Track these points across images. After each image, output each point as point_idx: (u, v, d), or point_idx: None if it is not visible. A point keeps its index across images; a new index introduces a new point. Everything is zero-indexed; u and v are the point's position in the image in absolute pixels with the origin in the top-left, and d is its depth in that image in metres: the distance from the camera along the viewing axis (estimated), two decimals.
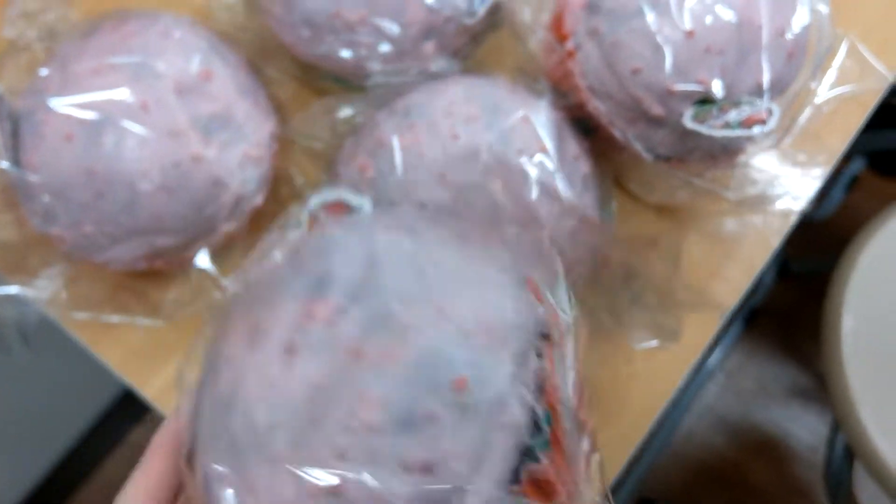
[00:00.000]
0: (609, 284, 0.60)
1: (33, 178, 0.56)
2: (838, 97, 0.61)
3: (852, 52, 0.62)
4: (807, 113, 0.60)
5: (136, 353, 0.64)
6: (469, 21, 0.61)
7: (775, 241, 0.65)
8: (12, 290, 0.61)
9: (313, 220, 0.44)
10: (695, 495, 1.50)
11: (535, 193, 0.55)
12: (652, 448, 1.45)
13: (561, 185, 0.56)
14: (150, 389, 0.63)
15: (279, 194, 0.66)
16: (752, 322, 1.58)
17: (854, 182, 1.67)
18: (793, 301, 1.61)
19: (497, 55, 0.68)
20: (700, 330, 0.63)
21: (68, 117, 0.55)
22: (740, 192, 0.58)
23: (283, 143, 0.65)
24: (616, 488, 1.21)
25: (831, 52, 0.58)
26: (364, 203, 0.45)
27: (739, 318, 1.58)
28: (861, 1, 0.69)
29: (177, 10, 0.68)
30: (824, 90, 0.60)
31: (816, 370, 1.56)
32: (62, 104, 0.56)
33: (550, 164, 0.55)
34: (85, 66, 0.57)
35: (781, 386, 1.56)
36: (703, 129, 0.54)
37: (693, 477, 1.51)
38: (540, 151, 0.55)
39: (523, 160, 0.55)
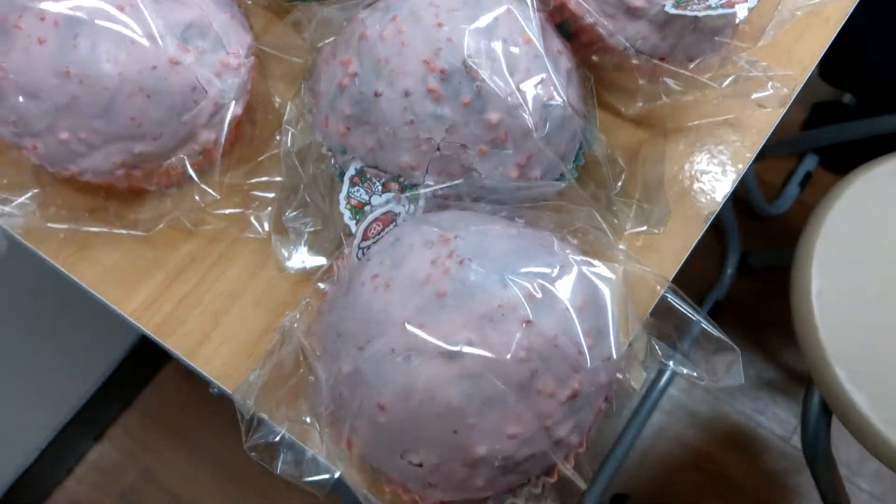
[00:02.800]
0: (595, 176, 0.60)
1: (4, 81, 0.55)
2: (808, 4, 0.62)
3: None
4: (778, 17, 0.61)
5: (113, 272, 0.62)
6: None
7: (757, 145, 0.65)
8: None
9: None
10: (668, 490, 1.49)
11: (521, 78, 0.55)
12: (621, 445, 1.44)
13: (546, 72, 0.55)
14: (128, 307, 0.61)
15: (255, 117, 0.65)
16: (716, 317, 1.59)
17: (807, 179, 1.71)
18: (753, 295, 1.62)
19: None
20: (686, 231, 0.63)
21: (41, 20, 0.54)
22: (722, 82, 0.58)
23: (261, 59, 0.64)
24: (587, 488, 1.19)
25: None
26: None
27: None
28: None
29: None
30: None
31: (782, 361, 1.57)
32: (34, 6, 0.54)
33: (535, 53, 0.55)
34: None
35: (749, 379, 1.56)
36: (687, 12, 0.54)
37: (666, 471, 1.50)
38: (524, 42, 0.55)
39: (509, 47, 0.55)
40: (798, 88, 0.65)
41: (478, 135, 0.55)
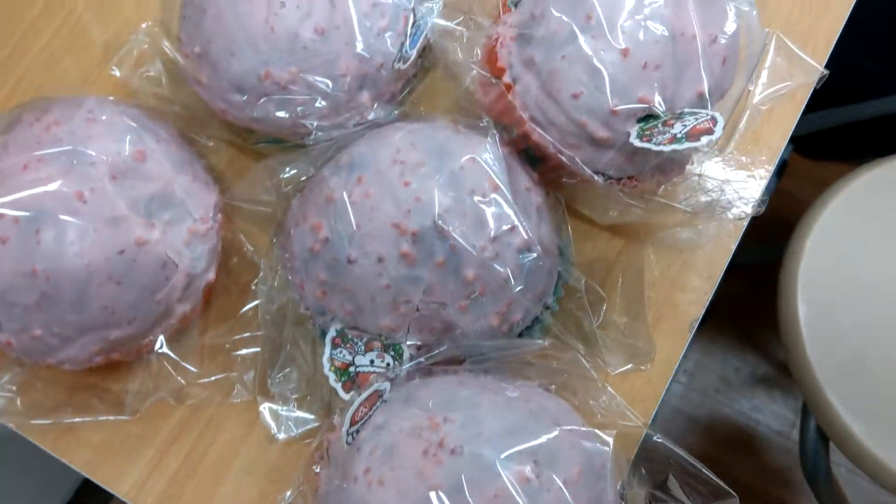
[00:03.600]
0: (575, 312, 0.59)
1: None
2: (773, 95, 0.62)
3: (780, 49, 0.62)
4: (746, 116, 0.61)
5: (103, 452, 0.61)
6: (402, 66, 0.60)
7: (732, 244, 0.65)
8: None
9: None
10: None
11: (493, 232, 0.54)
12: None
13: (517, 220, 0.55)
14: (122, 488, 0.60)
15: (229, 265, 0.64)
16: (706, 319, 1.59)
17: (784, 168, 1.70)
18: (741, 292, 1.62)
19: (432, 96, 0.67)
20: (671, 344, 0.63)
21: (0, 219, 0.53)
22: (693, 203, 0.58)
23: (228, 212, 0.63)
24: None
25: (763, 54, 0.58)
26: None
27: None
28: None
29: (97, 89, 0.67)
30: (759, 90, 0.61)
31: (775, 357, 1.57)
32: None
33: (504, 201, 0.55)
34: (11, 162, 0.54)
35: (743, 377, 1.57)
36: (652, 146, 0.53)
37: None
38: (492, 190, 0.54)
39: (476, 199, 0.54)
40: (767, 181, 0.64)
41: (455, 292, 0.54)
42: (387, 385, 0.54)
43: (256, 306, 0.62)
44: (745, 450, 1.54)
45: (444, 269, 0.53)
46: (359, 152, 0.57)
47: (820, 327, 1.01)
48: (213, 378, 0.61)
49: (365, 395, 0.53)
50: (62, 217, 0.53)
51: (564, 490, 0.48)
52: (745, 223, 0.65)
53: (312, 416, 0.60)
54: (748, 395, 1.56)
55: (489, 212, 0.54)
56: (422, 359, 0.54)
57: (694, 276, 0.64)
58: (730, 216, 0.57)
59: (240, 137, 0.65)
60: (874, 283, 1.03)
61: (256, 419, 0.61)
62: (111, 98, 0.60)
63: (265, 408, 0.60)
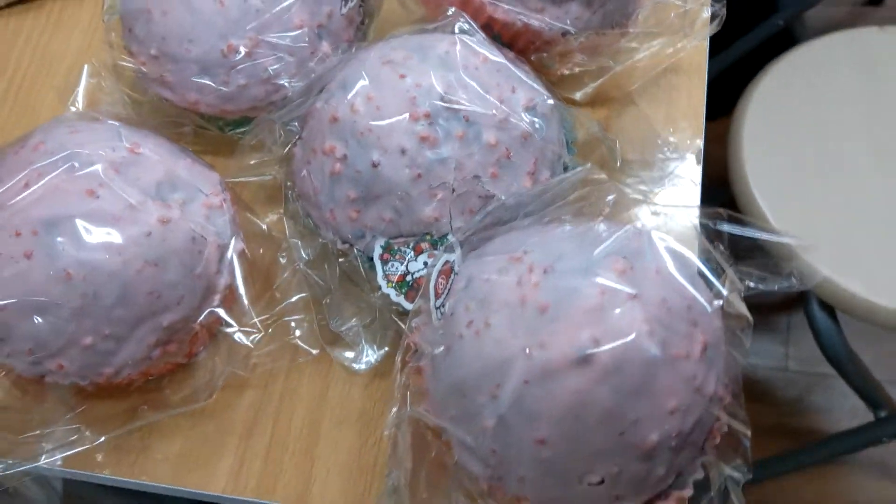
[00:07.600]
0: (591, 159, 0.60)
1: (7, 313, 0.51)
2: None
3: None
4: None
5: (184, 460, 0.58)
6: (344, 9, 0.62)
7: (701, 83, 0.68)
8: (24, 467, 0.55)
9: None
10: None
11: (497, 93, 0.55)
12: None
13: (516, 78, 0.57)
14: (217, 486, 0.57)
15: (247, 245, 0.63)
16: None
17: None
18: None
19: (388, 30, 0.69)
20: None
21: (17, 237, 0.51)
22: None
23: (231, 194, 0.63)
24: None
25: None
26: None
27: None
28: None
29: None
30: None
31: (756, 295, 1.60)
32: (5, 225, 0.52)
33: (497, 68, 0.56)
34: (10, 186, 0.53)
35: None
36: None
37: None
38: (482, 62, 0.56)
39: (472, 72, 0.55)
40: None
41: (483, 161, 0.55)
42: (455, 255, 0.53)
43: (288, 277, 0.61)
44: (751, 396, 1.54)
45: (465, 140, 0.54)
46: (344, 74, 0.58)
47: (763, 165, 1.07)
48: (273, 346, 0.59)
49: (438, 266, 0.52)
50: (79, 217, 0.52)
51: (661, 272, 0.48)
52: (706, 52, 0.68)
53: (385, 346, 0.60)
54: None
55: (487, 78, 0.55)
56: (469, 233, 0.54)
57: (681, 117, 0.67)
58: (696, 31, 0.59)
59: (216, 128, 0.65)
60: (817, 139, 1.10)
61: (328, 375, 0.60)
62: (83, 112, 0.60)
63: (336, 349, 0.59)
